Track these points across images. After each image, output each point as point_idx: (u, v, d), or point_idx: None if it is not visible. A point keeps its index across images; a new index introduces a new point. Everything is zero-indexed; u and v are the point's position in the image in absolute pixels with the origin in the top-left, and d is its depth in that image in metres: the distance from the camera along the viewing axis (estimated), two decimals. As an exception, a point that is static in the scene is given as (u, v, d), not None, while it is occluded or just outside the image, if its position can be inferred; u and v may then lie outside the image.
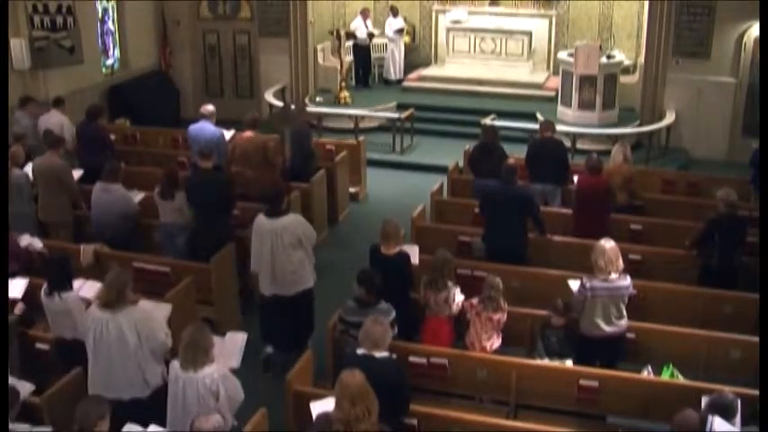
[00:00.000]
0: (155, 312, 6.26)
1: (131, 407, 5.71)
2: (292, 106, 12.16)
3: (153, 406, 5.70)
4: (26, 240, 8.16)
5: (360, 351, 5.51)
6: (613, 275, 6.65)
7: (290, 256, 7.49)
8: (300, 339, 7.75)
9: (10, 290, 6.99)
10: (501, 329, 6.90)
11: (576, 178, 9.28)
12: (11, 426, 4.95)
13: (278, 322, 7.70)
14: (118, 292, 5.83)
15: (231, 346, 5.98)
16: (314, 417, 5.17)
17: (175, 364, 5.46)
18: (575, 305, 6.81)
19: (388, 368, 5.40)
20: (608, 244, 6.72)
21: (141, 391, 5.82)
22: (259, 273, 7.65)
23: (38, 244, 8.19)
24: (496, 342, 6.90)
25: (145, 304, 6.24)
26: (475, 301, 6.90)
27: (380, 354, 5.46)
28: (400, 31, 16.93)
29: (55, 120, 10.66)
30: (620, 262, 6.72)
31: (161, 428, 5.35)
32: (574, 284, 7.04)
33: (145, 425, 5.32)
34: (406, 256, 7.15)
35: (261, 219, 7.63)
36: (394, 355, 5.67)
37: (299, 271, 7.58)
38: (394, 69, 17.03)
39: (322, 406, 5.28)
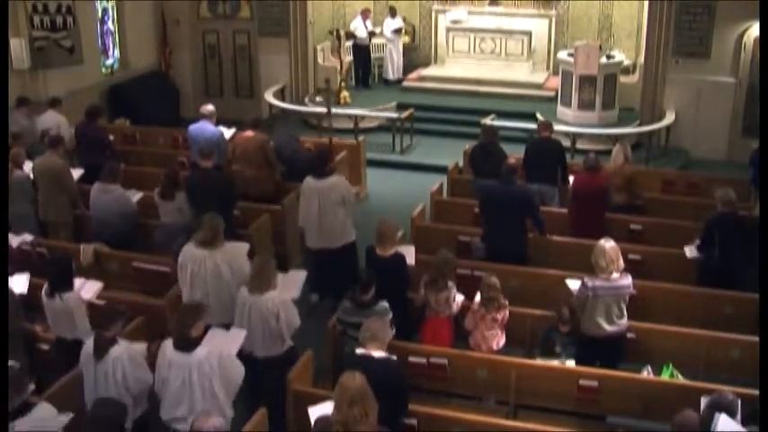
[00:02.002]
0: (241, 249, 7.13)
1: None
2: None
3: None
4: (18, 240, 8.15)
5: (359, 351, 5.53)
6: (615, 275, 6.65)
7: (336, 212, 8.36)
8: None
9: (15, 287, 6.98)
10: (504, 322, 6.91)
11: (571, 177, 9.29)
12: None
13: (327, 272, 8.43)
14: (213, 232, 6.86)
15: (292, 281, 6.93)
16: (312, 420, 5.19)
17: (243, 290, 6.46)
18: (576, 305, 6.81)
19: (386, 368, 5.41)
20: (608, 244, 6.72)
21: (230, 316, 6.62)
22: (306, 229, 8.54)
23: (28, 238, 8.20)
24: (502, 340, 6.91)
25: (228, 244, 7.08)
26: (476, 305, 6.89)
27: (379, 354, 5.47)
28: (398, 32, 16.93)
29: (52, 120, 10.67)
30: (621, 261, 6.73)
31: (242, 330, 6.22)
32: (573, 284, 7.04)
33: None
34: (401, 258, 7.15)
35: (309, 180, 8.50)
36: (393, 356, 5.68)
37: (343, 226, 8.44)
38: (392, 69, 17.03)
39: (320, 411, 5.30)
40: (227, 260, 6.87)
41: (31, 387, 5.80)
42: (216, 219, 6.99)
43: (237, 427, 5.72)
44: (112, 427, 4.99)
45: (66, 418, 5.35)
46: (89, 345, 5.77)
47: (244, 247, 7.31)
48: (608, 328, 6.72)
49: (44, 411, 5.20)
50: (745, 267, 7.73)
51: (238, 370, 5.72)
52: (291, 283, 6.86)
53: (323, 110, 14.48)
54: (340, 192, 8.39)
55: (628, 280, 6.74)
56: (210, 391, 5.52)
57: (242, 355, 6.08)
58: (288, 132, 11.08)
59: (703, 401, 5.45)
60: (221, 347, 5.73)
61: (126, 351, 5.71)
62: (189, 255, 6.94)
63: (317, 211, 8.37)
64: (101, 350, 5.68)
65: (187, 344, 5.54)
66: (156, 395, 5.80)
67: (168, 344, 5.64)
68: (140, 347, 5.99)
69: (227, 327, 6.42)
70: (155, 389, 5.75)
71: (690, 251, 8.08)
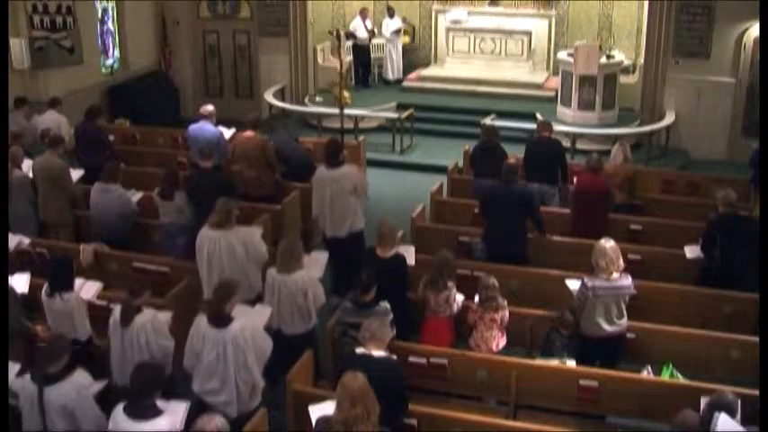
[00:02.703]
0: (255, 231, 7.54)
1: None
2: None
3: None
4: (15, 241, 8.14)
5: (359, 351, 5.53)
6: (615, 275, 6.65)
7: (347, 200, 8.59)
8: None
9: (16, 286, 6.98)
10: (505, 327, 6.91)
11: (575, 178, 9.28)
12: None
13: (338, 259, 8.50)
14: (227, 214, 7.22)
15: (315, 261, 7.25)
16: (312, 420, 5.19)
17: (272, 270, 6.79)
18: (576, 305, 6.81)
19: (385, 367, 5.42)
20: (608, 244, 6.72)
21: (248, 294, 7.02)
22: (321, 217, 8.77)
23: (25, 240, 8.20)
24: (502, 341, 6.91)
25: (242, 227, 7.49)
26: (474, 305, 6.90)
27: (379, 353, 5.47)
28: (397, 32, 16.93)
29: (52, 120, 10.67)
30: (621, 261, 6.72)
31: (268, 307, 6.63)
32: (572, 284, 7.04)
33: None
34: (401, 259, 7.15)
35: (321, 170, 8.77)
36: (394, 356, 5.69)
37: (354, 214, 8.67)
38: (392, 69, 17.05)
39: (320, 410, 5.32)
40: (242, 240, 7.22)
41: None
42: (229, 202, 7.38)
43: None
44: (156, 376, 5.21)
45: (100, 385, 5.80)
46: (116, 313, 6.11)
47: (257, 230, 7.69)
48: (608, 328, 6.72)
49: (81, 377, 5.44)
50: (745, 268, 7.72)
51: (268, 342, 6.07)
52: (315, 263, 7.21)
53: (328, 110, 14.56)
54: (351, 180, 8.63)
55: (628, 280, 6.74)
56: (244, 364, 5.80)
57: (270, 332, 6.38)
58: (287, 133, 11.13)
59: (703, 401, 5.45)
60: (251, 322, 6.03)
61: (150, 320, 6.08)
62: (204, 237, 7.29)
63: (329, 199, 8.60)
64: (127, 318, 6.02)
65: (222, 320, 5.80)
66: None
67: (202, 320, 5.89)
68: (165, 317, 6.34)
69: (250, 304, 6.71)
70: (185, 363, 6.01)
71: (690, 251, 8.08)
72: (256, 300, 7.06)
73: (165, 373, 5.58)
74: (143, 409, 5.02)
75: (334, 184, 8.59)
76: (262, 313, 6.49)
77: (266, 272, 6.94)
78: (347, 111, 14.44)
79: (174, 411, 5.18)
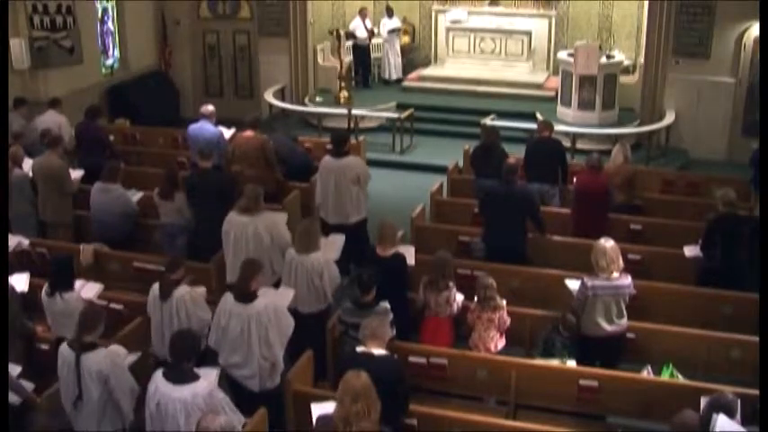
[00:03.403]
0: (281, 218, 7.83)
1: None
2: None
3: None
4: (14, 242, 8.14)
5: (359, 349, 5.53)
6: (615, 275, 6.65)
7: (350, 190, 8.88)
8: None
9: (16, 285, 6.98)
10: (504, 328, 6.90)
11: (575, 178, 9.28)
12: None
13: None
14: (255, 200, 7.48)
15: (332, 244, 7.56)
16: (314, 419, 5.19)
17: (291, 250, 7.10)
18: (576, 305, 6.80)
19: (386, 366, 5.41)
20: (608, 243, 6.72)
21: (270, 280, 7.18)
22: (322, 205, 9.03)
23: (24, 242, 8.20)
24: (500, 342, 6.90)
25: (268, 213, 7.74)
26: (472, 305, 6.90)
27: (379, 351, 5.47)
28: (394, 32, 16.92)
29: (52, 120, 10.66)
30: (621, 261, 6.73)
31: (291, 289, 6.87)
32: (572, 284, 7.04)
33: None
34: (402, 258, 7.16)
35: (327, 159, 9.05)
36: (395, 355, 5.68)
37: (357, 203, 8.96)
38: (389, 69, 17.04)
39: (322, 408, 5.31)
40: (268, 227, 7.50)
41: (31, 387, 5.87)
42: (257, 188, 7.64)
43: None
44: (192, 345, 5.40)
45: (134, 356, 6.02)
46: (155, 288, 6.41)
47: (283, 216, 7.97)
48: (608, 327, 6.72)
49: (116, 347, 5.70)
50: (746, 268, 7.72)
51: (290, 322, 6.29)
52: (332, 246, 7.51)
53: (328, 110, 14.55)
54: (355, 170, 8.87)
55: (628, 280, 6.74)
56: (266, 339, 6.04)
57: (288, 310, 6.54)
58: (285, 133, 11.21)
59: (703, 401, 5.45)
60: (275, 301, 6.27)
61: (189, 292, 6.36)
62: (232, 221, 7.57)
63: (333, 188, 8.84)
64: (166, 291, 6.32)
65: (248, 296, 6.06)
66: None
67: (228, 296, 6.18)
68: (201, 290, 6.67)
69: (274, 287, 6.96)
70: (209, 341, 6.25)
71: (689, 250, 8.08)
72: (276, 285, 7.22)
73: (201, 341, 5.77)
74: (182, 374, 5.22)
75: (339, 174, 8.81)
76: (285, 295, 6.74)
77: (286, 252, 7.21)
78: (347, 110, 14.50)
79: (207, 376, 5.38)
